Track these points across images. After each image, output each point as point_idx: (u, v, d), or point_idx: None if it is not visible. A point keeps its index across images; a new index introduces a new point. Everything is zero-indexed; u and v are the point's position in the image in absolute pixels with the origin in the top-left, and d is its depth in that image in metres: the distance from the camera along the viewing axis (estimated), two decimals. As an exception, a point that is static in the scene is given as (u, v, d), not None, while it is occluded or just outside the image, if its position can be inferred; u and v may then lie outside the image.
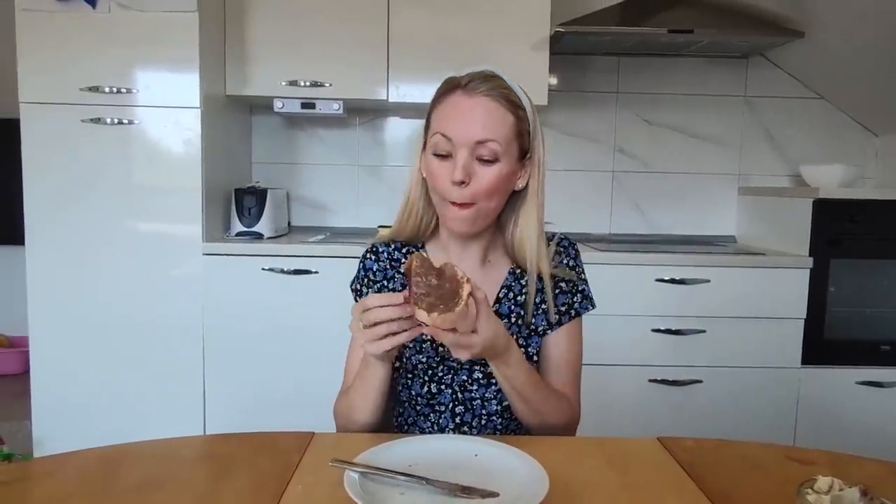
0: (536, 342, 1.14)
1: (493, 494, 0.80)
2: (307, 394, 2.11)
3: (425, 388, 1.12)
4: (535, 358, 1.15)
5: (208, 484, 0.87)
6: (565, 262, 1.17)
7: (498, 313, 1.13)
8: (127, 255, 2.24)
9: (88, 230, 2.22)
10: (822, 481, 0.66)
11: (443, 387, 1.12)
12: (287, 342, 2.27)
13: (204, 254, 2.25)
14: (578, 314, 1.17)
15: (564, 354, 1.16)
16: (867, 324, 2.39)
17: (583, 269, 1.19)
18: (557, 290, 1.15)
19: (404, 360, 1.13)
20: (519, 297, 1.14)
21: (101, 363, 2.25)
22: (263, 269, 2.26)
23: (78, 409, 2.25)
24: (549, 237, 1.17)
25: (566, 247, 1.18)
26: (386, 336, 0.90)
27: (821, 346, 2.35)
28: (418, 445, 0.94)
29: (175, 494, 0.83)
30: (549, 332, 1.15)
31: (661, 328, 2.32)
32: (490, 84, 1.04)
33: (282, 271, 2.26)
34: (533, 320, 1.14)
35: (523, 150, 1.09)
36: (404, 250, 1.18)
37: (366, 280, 1.17)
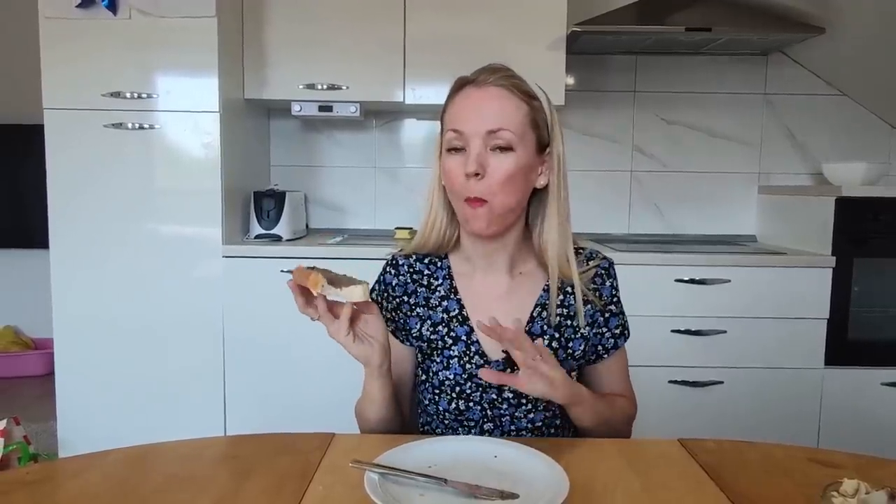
0: (570, 365, 1.10)
1: (513, 496, 0.80)
2: (327, 395, 2.12)
3: (453, 405, 1.09)
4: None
5: (230, 484, 0.87)
6: (609, 284, 1.12)
7: (530, 333, 1.08)
8: (148, 257, 2.27)
9: (111, 233, 2.26)
10: (848, 484, 0.65)
11: (471, 404, 1.08)
12: (306, 344, 2.28)
13: (224, 256, 2.27)
14: (629, 333, 1.15)
15: (621, 369, 1.15)
16: (892, 324, 2.35)
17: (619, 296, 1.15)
18: (608, 314, 1.12)
19: (430, 374, 1.11)
20: (553, 319, 1.08)
21: (124, 364, 2.29)
22: (282, 270, 2.28)
23: (101, 410, 2.29)
24: (589, 255, 1.13)
25: (607, 268, 1.13)
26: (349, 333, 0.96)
27: (844, 347, 2.31)
28: (438, 447, 0.94)
29: (197, 495, 0.84)
30: (592, 358, 1.13)
31: (682, 329, 2.30)
32: (499, 74, 1.02)
33: (300, 273, 2.27)
34: (570, 345, 1.10)
35: (542, 144, 1.05)
36: (426, 261, 1.14)
37: (385, 294, 1.14)
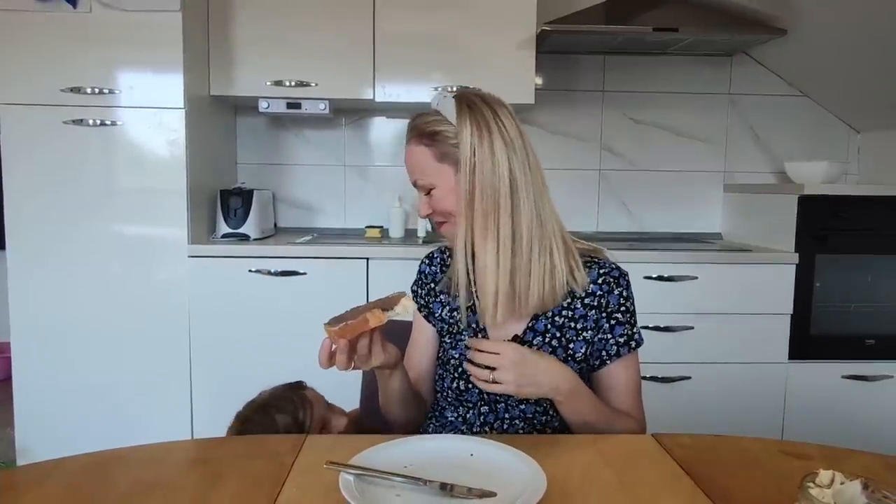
0: (573, 367, 1.11)
1: (491, 494, 0.79)
2: (296, 396, 2.09)
3: (454, 384, 1.16)
4: None
5: (201, 489, 0.85)
6: (617, 292, 1.14)
7: (533, 329, 1.13)
8: (111, 258, 2.21)
9: (71, 233, 2.19)
10: (824, 475, 0.66)
11: (471, 385, 1.13)
12: (275, 344, 2.25)
13: (190, 256, 2.23)
14: (639, 345, 1.15)
15: (627, 382, 1.15)
16: (852, 318, 2.41)
17: (633, 302, 1.16)
18: (614, 321, 1.13)
19: (442, 352, 1.20)
20: (556, 318, 1.12)
21: (86, 368, 2.22)
22: (250, 270, 2.24)
23: (63, 415, 2.22)
24: (601, 265, 1.15)
25: (616, 277, 1.15)
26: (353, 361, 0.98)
27: (807, 341, 2.37)
28: (413, 446, 0.93)
29: (167, 501, 0.82)
30: (595, 363, 1.14)
31: (650, 325, 2.33)
32: (411, 129, 1.13)
33: (269, 273, 2.24)
34: (571, 346, 1.12)
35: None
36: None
37: (420, 282, 1.25)
